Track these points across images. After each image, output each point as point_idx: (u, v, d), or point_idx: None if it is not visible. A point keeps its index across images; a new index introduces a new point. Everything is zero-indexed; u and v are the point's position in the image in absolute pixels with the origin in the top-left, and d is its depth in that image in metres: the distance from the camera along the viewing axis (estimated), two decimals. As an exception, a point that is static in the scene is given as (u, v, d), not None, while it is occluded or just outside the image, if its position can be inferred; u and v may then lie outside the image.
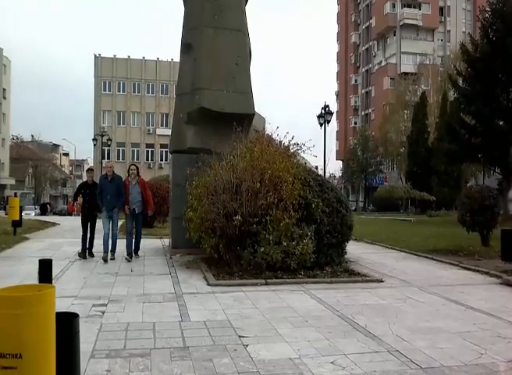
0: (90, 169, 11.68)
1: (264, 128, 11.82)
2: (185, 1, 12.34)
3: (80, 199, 10.73)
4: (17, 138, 72.69)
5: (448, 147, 27.30)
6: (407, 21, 64.16)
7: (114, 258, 10.40)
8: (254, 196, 8.93)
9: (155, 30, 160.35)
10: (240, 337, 5.30)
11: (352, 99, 75.18)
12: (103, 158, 45.32)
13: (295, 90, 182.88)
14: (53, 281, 5.64)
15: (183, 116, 11.86)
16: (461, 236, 13.96)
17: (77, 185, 12.22)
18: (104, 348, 4.87)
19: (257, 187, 8.90)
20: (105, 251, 10.35)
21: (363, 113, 72.97)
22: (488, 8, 25.52)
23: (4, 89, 64.27)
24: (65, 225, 23.18)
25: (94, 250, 11.02)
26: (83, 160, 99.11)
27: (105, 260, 10.21)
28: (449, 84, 30.36)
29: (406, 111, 50.19)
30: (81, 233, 10.85)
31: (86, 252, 10.73)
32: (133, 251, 10.77)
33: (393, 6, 65.43)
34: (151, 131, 59.54)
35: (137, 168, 11.06)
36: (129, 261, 10.34)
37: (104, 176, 10.71)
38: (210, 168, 9.53)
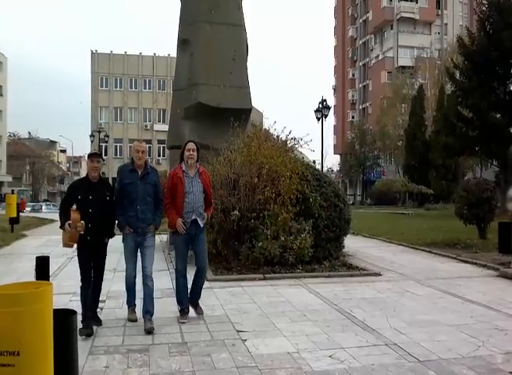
0: (95, 155, 5.65)
1: (261, 123, 11.80)
2: (181, -4, 12.28)
3: (74, 214, 5.11)
4: (14, 135, 72.50)
5: (445, 140, 27.29)
6: (404, 14, 63.90)
7: (153, 328, 5.32)
8: (251, 191, 8.93)
9: (152, 26, 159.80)
10: (238, 331, 5.32)
11: (349, 93, 75.01)
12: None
13: (293, 84, 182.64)
14: (51, 278, 5.66)
15: (181, 111, 11.84)
16: (459, 229, 14.00)
17: (68, 187, 6.21)
18: (103, 344, 4.89)
19: (255, 181, 8.90)
20: (131, 303, 5.84)
21: (360, 107, 72.84)
22: (485, 1, 25.44)
23: (0, 86, 64.01)
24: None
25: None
26: (80, 157, 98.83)
27: (133, 320, 5.70)
28: (447, 78, 30.34)
29: (403, 104, 50.06)
30: (80, 284, 5.57)
31: (90, 320, 5.39)
32: (188, 303, 5.96)
33: (390, 0, 65.21)
34: (149, 127, 59.39)
35: (198, 149, 5.94)
36: (183, 322, 5.72)
37: (129, 168, 5.68)
38: (207, 163, 9.52)
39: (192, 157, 5.81)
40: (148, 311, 5.49)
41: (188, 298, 5.95)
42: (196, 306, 6.02)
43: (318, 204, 9.32)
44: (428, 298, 7.04)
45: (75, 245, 5.34)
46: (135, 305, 5.82)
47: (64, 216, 5.24)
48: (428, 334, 5.26)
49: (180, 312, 5.88)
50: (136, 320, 5.63)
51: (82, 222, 5.08)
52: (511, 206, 11.04)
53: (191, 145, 5.90)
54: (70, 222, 5.05)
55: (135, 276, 5.68)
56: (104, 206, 5.43)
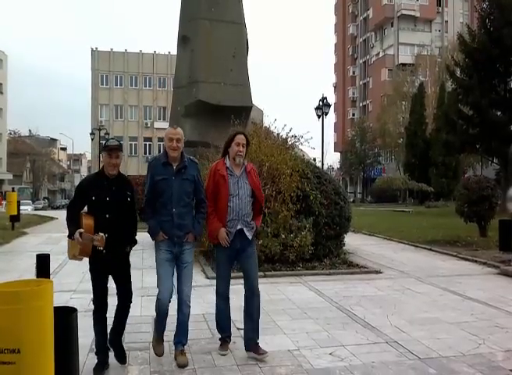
0: (114, 149, 4.20)
1: (262, 120, 11.80)
2: (181, -6, 12.27)
3: (87, 220, 4.01)
4: (14, 133, 72.49)
5: (446, 138, 27.32)
6: (404, 12, 63.86)
7: (186, 365, 4.29)
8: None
9: (152, 23, 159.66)
10: (238, 329, 5.30)
11: (350, 91, 74.98)
12: (101, 152, 45.21)
13: (293, 82, 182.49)
14: (51, 276, 5.66)
15: (181, 109, 11.85)
16: (459, 226, 14.00)
17: (77, 185, 4.47)
18: (104, 341, 4.87)
19: (255, 179, 8.88)
20: (159, 335, 4.46)
21: (361, 105, 72.82)
22: (485, -2, 25.44)
23: (0, 84, 63.98)
24: (63, 220, 23.21)
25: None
26: (80, 154, 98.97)
27: (160, 354, 4.43)
28: (447, 75, 30.31)
29: (404, 102, 50.06)
30: (92, 310, 4.31)
31: (107, 357, 4.25)
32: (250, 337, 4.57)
33: (391, -3, 65.16)
34: (149, 125, 59.41)
35: (248, 141, 4.70)
36: (224, 354, 4.59)
37: (162, 161, 4.42)
38: (208, 161, 9.51)
39: (241, 154, 4.56)
40: (181, 341, 4.45)
41: (235, 334, 4.74)
42: (256, 347, 4.49)
43: (319, 201, 9.31)
44: (428, 296, 7.03)
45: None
46: (163, 339, 4.48)
47: (72, 221, 4.03)
48: (429, 332, 5.25)
49: (221, 340, 4.74)
50: (162, 355, 4.43)
51: (101, 234, 3.87)
52: (511, 206, 11.04)
53: (242, 139, 4.58)
54: (82, 230, 3.84)
55: (169, 300, 4.37)
56: (125, 211, 4.22)
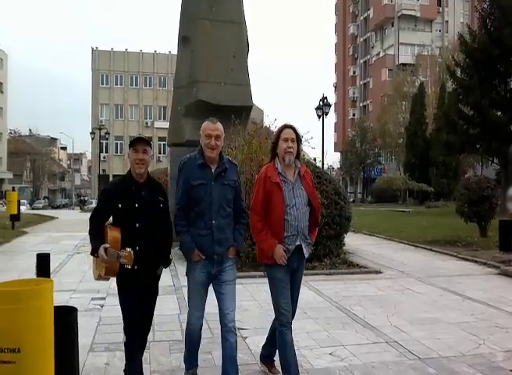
0: (140, 141, 3.52)
1: (262, 120, 11.80)
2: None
3: (113, 232, 3.34)
4: (15, 132, 72.48)
5: (446, 138, 27.31)
6: (405, 12, 63.82)
7: None
8: (252, 188, 8.91)
9: (153, 23, 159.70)
10: (238, 329, 5.30)
11: (350, 91, 74.93)
12: (101, 151, 45.24)
13: (293, 82, 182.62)
14: (52, 275, 5.65)
15: (181, 108, 11.85)
16: (459, 227, 14.00)
17: (101, 192, 3.96)
18: (103, 341, 4.88)
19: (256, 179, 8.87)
20: (192, 364, 3.85)
21: (361, 105, 72.77)
22: (486, -2, 25.45)
23: (1, 83, 63.98)
24: (63, 219, 23.27)
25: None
26: (81, 154, 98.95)
27: None
28: (448, 75, 30.29)
29: (404, 102, 50.03)
30: (124, 340, 3.65)
31: None
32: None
33: (391, -3, 65.14)
34: (149, 124, 59.43)
35: (299, 137, 3.88)
36: None
37: (198, 162, 3.86)
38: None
39: (291, 151, 3.76)
40: None
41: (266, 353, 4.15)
42: (271, 365, 4.08)
43: (319, 201, 9.30)
44: (428, 296, 7.04)
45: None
46: (197, 365, 3.86)
47: (96, 235, 3.38)
48: (429, 332, 5.26)
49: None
50: None
51: (128, 250, 3.16)
52: (511, 206, 11.04)
53: (290, 133, 3.81)
54: (107, 246, 3.23)
55: (201, 328, 3.77)
56: (157, 219, 3.54)
